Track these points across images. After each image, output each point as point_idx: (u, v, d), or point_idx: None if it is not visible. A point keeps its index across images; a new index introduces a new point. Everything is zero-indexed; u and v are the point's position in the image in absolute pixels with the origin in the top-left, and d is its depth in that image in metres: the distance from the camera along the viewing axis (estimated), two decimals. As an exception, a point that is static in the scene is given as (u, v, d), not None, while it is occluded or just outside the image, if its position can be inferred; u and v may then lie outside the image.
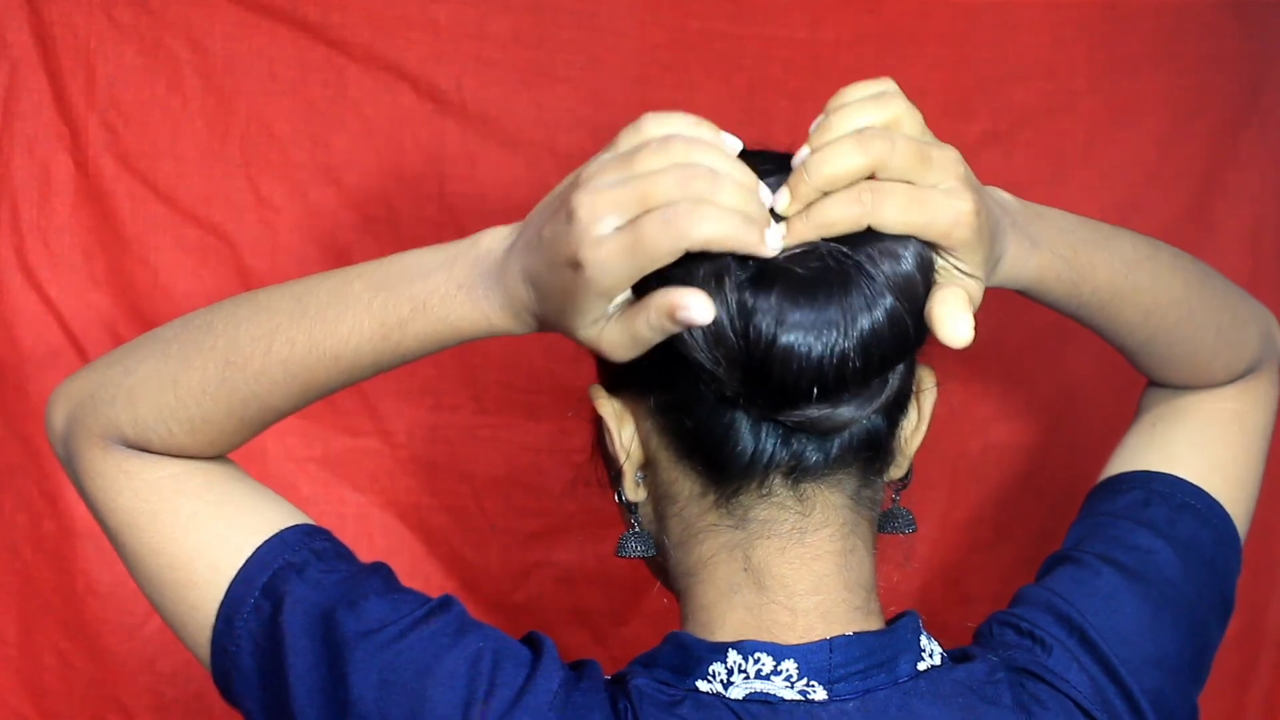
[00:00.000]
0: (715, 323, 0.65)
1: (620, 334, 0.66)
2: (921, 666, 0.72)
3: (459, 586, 1.22)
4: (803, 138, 0.67)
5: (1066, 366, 1.27)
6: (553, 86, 1.20)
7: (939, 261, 0.67)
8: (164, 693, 1.19)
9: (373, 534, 1.21)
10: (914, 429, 0.74)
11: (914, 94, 0.66)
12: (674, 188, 0.62)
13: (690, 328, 0.64)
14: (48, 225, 1.17)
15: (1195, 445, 0.87)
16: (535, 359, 1.21)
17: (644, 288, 0.65)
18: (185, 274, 1.18)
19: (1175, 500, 0.84)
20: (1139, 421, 0.91)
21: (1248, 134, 1.27)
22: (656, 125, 0.65)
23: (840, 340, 0.64)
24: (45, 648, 1.19)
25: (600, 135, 1.20)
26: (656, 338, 0.65)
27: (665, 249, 0.62)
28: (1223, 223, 1.27)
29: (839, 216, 0.64)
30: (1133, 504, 0.84)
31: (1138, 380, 0.94)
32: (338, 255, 1.19)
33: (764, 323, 0.64)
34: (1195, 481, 0.85)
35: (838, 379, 0.65)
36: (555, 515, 1.22)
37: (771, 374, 0.65)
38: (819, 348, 0.64)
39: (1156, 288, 0.82)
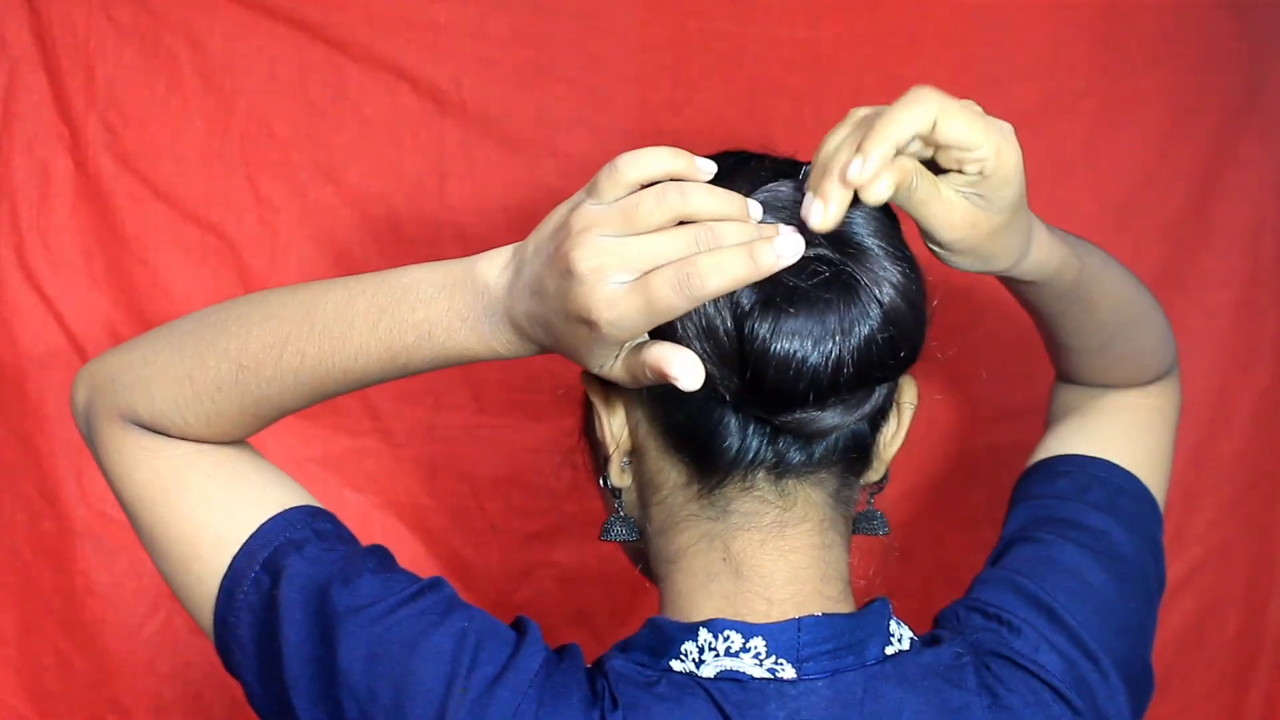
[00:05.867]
0: (712, 328, 0.67)
1: (624, 374, 0.68)
2: (890, 650, 0.73)
3: (459, 587, 1.21)
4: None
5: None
6: (553, 86, 1.20)
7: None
8: (163, 693, 1.19)
9: (373, 534, 1.21)
10: (892, 436, 0.76)
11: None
12: (683, 250, 0.63)
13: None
14: (48, 225, 1.17)
15: (1127, 437, 0.91)
16: (535, 359, 1.20)
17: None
18: (185, 274, 1.19)
19: (1112, 484, 0.87)
20: (1065, 417, 0.95)
21: (1248, 134, 1.27)
22: (636, 168, 0.65)
23: (836, 347, 0.66)
24: (45, 648, 1.19)
25: (600, 135, 1.21)
26: (655, 383, 0.66)
27: (680, 308, 0.63)
28: (1223, 223, 1.27)
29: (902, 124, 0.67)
30: (1073, 488, 0.87)
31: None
32: (337, 255, 1.19)
33: (760, 328, 0.66)
34: (1127, 467, 0.89)
35: (831, 385, 0.67)
36: (555, 515, 1.23)
37: (766, 378, 0.67)
38: (815, 354, 0.66)
39: (1119, 283, 0.88)
